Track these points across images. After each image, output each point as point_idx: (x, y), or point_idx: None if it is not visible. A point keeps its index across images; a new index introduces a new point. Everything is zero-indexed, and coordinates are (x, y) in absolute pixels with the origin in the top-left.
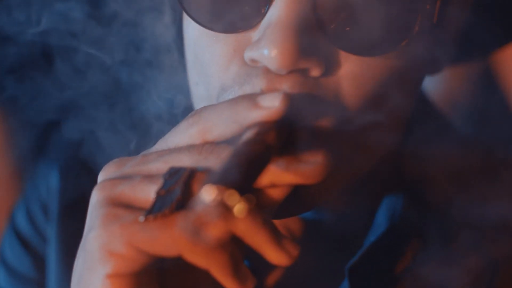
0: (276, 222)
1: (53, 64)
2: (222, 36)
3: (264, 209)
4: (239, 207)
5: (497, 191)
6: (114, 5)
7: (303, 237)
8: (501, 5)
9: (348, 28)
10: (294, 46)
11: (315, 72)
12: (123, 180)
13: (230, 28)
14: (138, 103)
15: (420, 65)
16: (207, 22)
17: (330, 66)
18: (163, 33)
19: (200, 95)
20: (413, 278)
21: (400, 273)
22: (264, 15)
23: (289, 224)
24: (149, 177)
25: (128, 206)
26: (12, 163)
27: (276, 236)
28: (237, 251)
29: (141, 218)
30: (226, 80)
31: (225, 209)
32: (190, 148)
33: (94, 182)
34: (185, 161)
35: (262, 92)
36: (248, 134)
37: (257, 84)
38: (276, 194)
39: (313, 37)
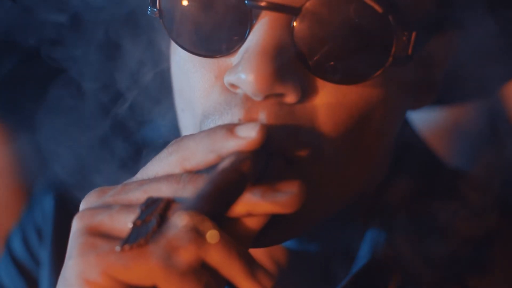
0: (260, 250)
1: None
2: (204, 62)
3: (241, 238)
4: (211, 233)
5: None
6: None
7: (287, 266)
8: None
9: (324, 57)
10: (270, 70)
11: (291, 98)
12: (102, 210)
13: (211, 52)
14: (131, 133)
15: (397, 98)
16: (190, 47)
17: (306, 93)
18: (151, 62)
19: (186, 122)
20: None
21: None
22: (244, 41)
23: (273, 253)
24: (127, 207)
25: (106, 235)
26: (12, 187)
27: (250, 267)
28: (213, 282)
29: (117, 248)
30: (208, 108)
31: (196, 235)
32: (169, 177)
33: None
34: (164, 190)
35: (240, 122)
36: (224, 163)
37: (235, 113)
38: (253, 223)
39: (290, 64)
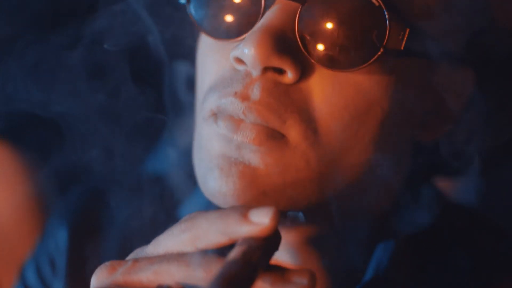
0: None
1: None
2: (219, 46)
3: None
4: None
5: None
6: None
7: None
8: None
9: (323, 44)
10: (270, 43)
11: (288, 76)
12: None
13: (225, 36)
14: (146, 166)
15: (400, 109)
16: (209, 31)
17: (304, 77)
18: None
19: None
20: None
21: None
22: (253, 25)
23: None
24: None
25: None
26: (27, 217)
27: None
28: None
29: None
30: (214, 82)
31: None
32: (180, 258)
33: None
34: (174, 273)
35: (237, 95)
36: (235, 253)
37: (234, 87)
38: None
39: (291, 44)
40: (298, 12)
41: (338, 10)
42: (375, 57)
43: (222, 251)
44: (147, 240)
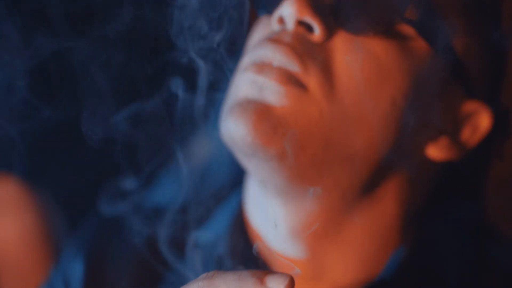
0: None
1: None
2: (264, 23)
3: None
4: None
5: None
6: None
7: None
8: None
9: (349, 13)
10: (304, 2)
11: (317, 33)
12: None
13: (269, 11)
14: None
15: (414, 107)
16: (260, 10)
17: (329, 37)
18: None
19: None
20: None
21: None
22: None
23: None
24: None
25: None
26: (40, 247)
27: None
28: None
29: None
30: (252, 44)
31: None
32: None
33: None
34: None
35: (267, 45)
36: None
37: (268, 37)
38: None
39: (323, 8)
40: None
41: None
42: (393, 24)
43: None
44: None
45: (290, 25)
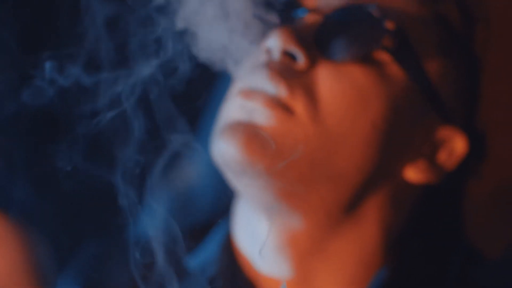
0: None
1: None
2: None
3: None
4: None
5: None
6: None
7: None
8: None
9: (331, 43)
10: (290, 33)
11: (301, 62)
12: None
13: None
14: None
15: (396, 133)
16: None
17: (312, 65)
18: None
19: None
20: None
21: None
22: None
23: None
24: None
25: None
26: (30, 282)
27: None
28: None
29: None
30: (244, 69)
31: None
32: None
33: None
34: None
35: (257, 68)
36: None
37: (260, 69)
38: None
39: (306, 40)
40: (319, 22)
41: (345, 23)
42: (371, 50)
43: None
44: None
45: (277, 55)
